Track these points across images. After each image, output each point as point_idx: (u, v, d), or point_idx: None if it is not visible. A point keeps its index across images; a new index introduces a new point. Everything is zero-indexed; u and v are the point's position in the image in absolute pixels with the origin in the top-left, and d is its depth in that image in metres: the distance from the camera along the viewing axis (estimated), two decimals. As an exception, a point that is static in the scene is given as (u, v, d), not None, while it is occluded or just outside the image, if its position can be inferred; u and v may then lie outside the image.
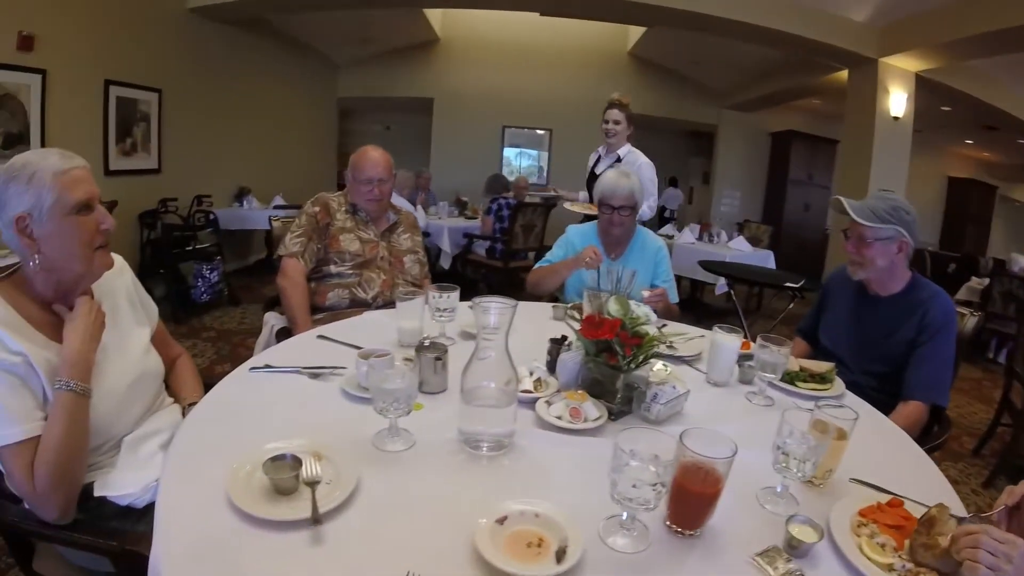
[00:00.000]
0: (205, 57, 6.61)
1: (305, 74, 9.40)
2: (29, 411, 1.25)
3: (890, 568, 1.01)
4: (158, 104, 5.97)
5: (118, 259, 1.57)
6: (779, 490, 1.22)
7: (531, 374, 1.63)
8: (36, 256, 1.32)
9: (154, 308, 1.74)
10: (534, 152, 11.23)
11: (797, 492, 1.23)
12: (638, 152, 4.25)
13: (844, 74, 7.59)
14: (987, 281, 6.52)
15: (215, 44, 6.76)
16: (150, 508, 1.32)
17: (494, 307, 1.25)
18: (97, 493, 1.36)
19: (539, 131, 10.97)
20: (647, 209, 4.00)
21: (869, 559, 1.03)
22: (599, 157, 4.47)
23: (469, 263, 6.89)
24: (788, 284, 5.01)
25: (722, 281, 6.24)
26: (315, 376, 1.67)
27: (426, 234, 6.39)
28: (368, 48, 9.97)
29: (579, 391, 1.54)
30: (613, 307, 1.57)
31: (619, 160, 4.20)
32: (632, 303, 1.61)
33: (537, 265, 2.97)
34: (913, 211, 2.04)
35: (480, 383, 1.29)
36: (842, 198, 2.09)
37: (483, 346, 1.29)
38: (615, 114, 4.23)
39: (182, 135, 6.28)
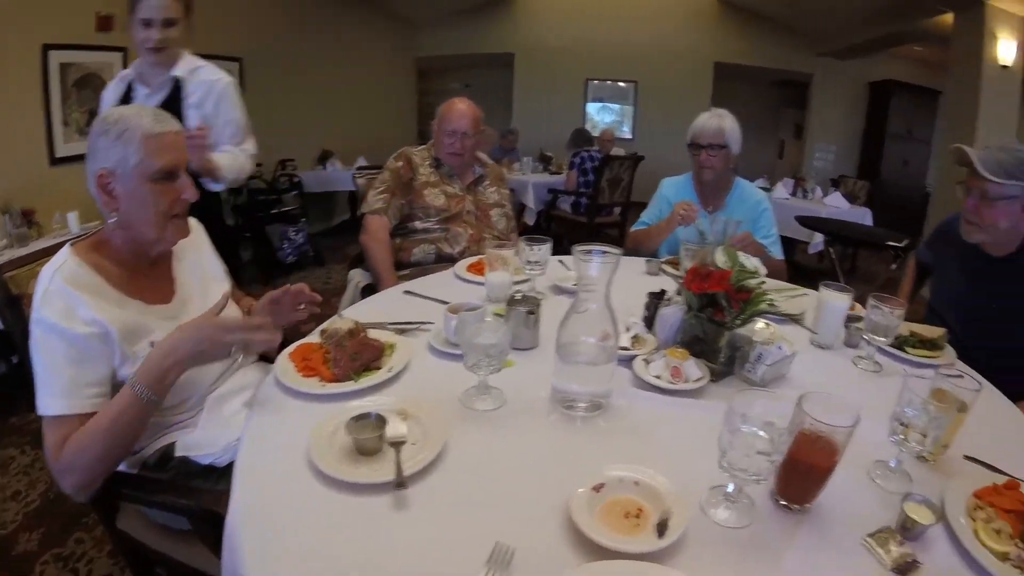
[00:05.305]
0: (283, 24, 6.66)
1: (383, 35, 9.37)
2: (78, 387, 1.21)
3: (1005, 557, 0.90)
4: (239, 73, 6.03)
5: (191, 220, 1.55)
6: (893, 465, 1.11)
7: (628, 330, 1.53)
8: (114, 214, 1.32)
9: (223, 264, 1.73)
10: (616, 107, 10.88)
11: (910, 468, 1.12)
12: (211, 65, 2.58)
13: (949, 18, 6.94)
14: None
15: (292, 10, 6.78)
16: (232, 467, 1.31)
17: (596, 256, 1.15)
18: (178, 453, 1.34)
19: (622, 84, 10.61)
20: (243, 149, 2.67)
21: (984, 546, 0.92)
22: (128, 87, 2.51)
23: (554, 219, 6.83)
24: (891, 243, 4.66)
25: (817, 239, 5.91)
26: (401, 332, 1.61)
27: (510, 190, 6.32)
28: (445, 5, 9.85)
29: (681, 349, 1.42)
30: (720, 258, 1.44)
31: (177, 86, 2.46)
32: (741, 255, 1.47)
33: (633, 228, 2.86)
34: None
35: (578, 338, 1.21)
36: (966, 147, 1.82)
37: (582, 298, 1.20)
38: (166, 3, 2.31)
39: (263, 102, 6.28)
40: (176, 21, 2.35)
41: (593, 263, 1.15)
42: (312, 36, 7.16)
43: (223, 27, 5.71)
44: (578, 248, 1.17)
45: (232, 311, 1.58)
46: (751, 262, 1.46)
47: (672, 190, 2.78)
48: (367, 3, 8.46)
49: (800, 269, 6.69)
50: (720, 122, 2.55)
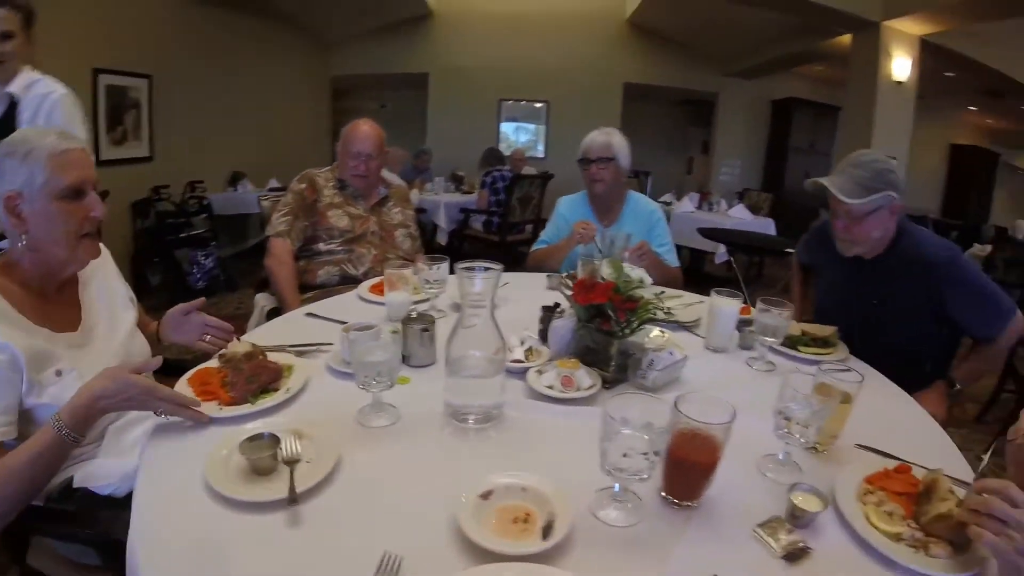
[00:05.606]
0: (195, 40, 6.47)
1: (297, 54, 9.26)
2: None
3: (898, 537, 0.97)
4: (148, 90, 5.83)
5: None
6: (781, 457, 1.17)
7: (522, 343, 1.59)
8: (23, 236, 1.29)
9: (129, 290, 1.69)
10: (531, 126, 11.04)
11: (800, 459, 1.18)
12: (49, 79, 2.43)
13: (847, 39, 7.42)
14: (989, 248, 6.51)
15: (205, 26, 6.61)
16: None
17: (478, 273, 1.20)
18: (76, 485, 1.31)
19: (536, 104, 10.79)
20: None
21: (876, 528, 0.98)
22: None
23: (466, 238, 6.84)
24: (789, 250, 4.93)
25: (722, 249, 6.17)
26: (301, 354, 1.62)
27: (421, 210, 6.31)
28: (360, 25, 9.76)
29: (572, 359, 1.49)
30: (606, 270, 1.52)
31: (13, 103, 2.35)
32: (626, 266, 1.55)
33: (534, 247, 2.94)
34: (894, 164, 1.82)
35: (466, 352, 1.25)
36: (820, 179, 1.84)
37: (469, 314, 1.24)
38: (1, 16, 2.24)
39: (173, 121, 6.15)
40: (13, 34, 2.26)
41: (476, 279, 1.20)
42: (224, 53, 7.00)
43: (132, 43, 5.52)
44: (460, 265, 1.21)
45: (133, 338, 1.56)
46: (636, 272, 1.53)
47: (568, 207, 2.87)
48: (280, 21, 8.32)
49: (708, 278, 6.97)
50: (608, 138, 2.67)
